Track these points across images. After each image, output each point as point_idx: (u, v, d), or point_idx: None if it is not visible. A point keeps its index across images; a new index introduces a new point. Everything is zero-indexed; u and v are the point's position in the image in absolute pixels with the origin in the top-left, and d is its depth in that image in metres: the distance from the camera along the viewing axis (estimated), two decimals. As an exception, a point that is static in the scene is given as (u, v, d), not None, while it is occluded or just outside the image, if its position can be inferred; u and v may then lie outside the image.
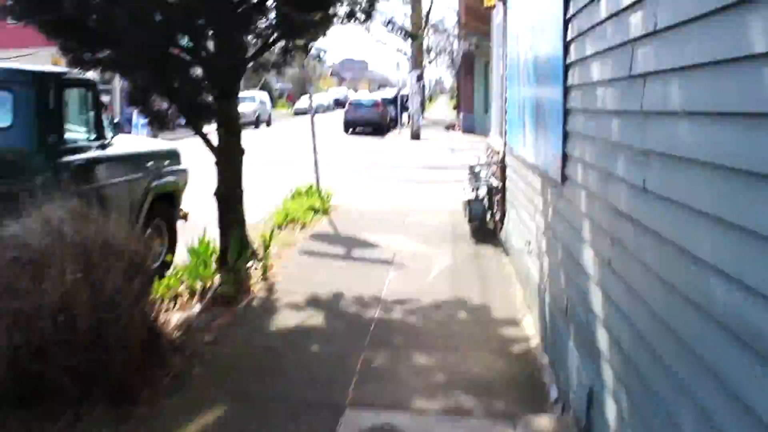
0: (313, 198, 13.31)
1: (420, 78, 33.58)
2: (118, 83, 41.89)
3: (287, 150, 25.66)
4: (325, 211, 12.68)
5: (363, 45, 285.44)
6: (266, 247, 8.65)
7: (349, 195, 15.23)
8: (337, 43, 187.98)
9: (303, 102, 73.54)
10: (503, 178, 10.21)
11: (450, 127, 39.69)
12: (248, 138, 32.20)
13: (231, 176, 8.56)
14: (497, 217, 10.71)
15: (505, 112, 10.04)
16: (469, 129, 34.95)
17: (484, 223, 10.89)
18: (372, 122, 38.73)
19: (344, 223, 11.82)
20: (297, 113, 69.08)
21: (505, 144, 10.09)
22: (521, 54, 7.98)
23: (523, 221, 7.89)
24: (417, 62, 33.89)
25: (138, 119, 40.35)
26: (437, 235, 10.79)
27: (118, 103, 42.24)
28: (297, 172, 17.74)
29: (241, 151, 8.68)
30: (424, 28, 50.92)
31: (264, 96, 51.22)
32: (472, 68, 35.68)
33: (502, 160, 10.21)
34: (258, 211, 13.29)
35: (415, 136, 31.85)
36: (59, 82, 6.92)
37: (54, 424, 4.37)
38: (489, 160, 12.22)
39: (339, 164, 20.85)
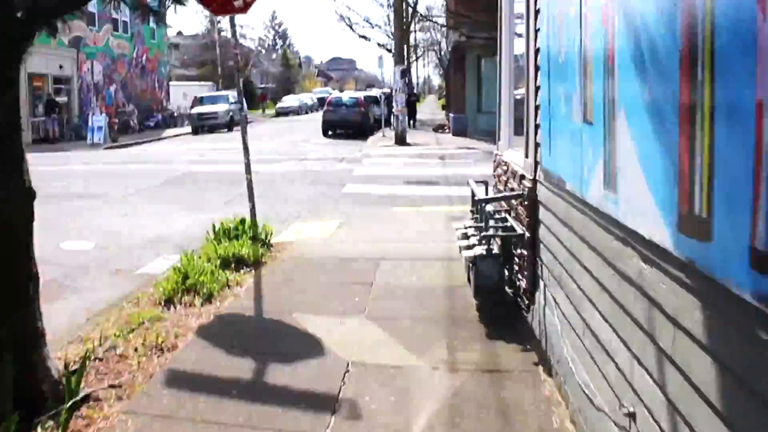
0: (243, 240, 8.92)
1: (405, 74, 29.15)
2: (76, 80, 37.43)
3: (252, 158, 21.28)
4: (257, 263, 8.31)
5: (351, 43, 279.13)
6: (70, 395, 4.17)
7: (302, 229, 10.89)
8: (325, 41, 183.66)
9: (288, 101, 69.47)
10: (533, 223, 5.88)
11: (439, 128, 35.31)
12: (212, 143, 27.76)
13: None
14: (522, 282, 6.37)
15: (535, 116, 5.74)
16: (460, 131, 30.60)
17: (501, 294, 6.51)
18: (353, 124, 34.36)
19: (278, 288, 7.40)
20: (280, 113, 64.96)
21: (535, 166, 5.77)
22: (593, 23, 3.71)
23: (610, 349, 3.56)
24: (401, 57, 29.45)
25: (94, 122, 36.01)
26: (423, 315, 6.40)
27: (76, 103, 37.75)
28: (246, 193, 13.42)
29: (28, 197, 4.26)
30: (411, 17, 46.58)
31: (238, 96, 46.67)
32: (463, 62, 31.32)
33: (532, 194, 5.87)
34: (162, 262, 8.95)
35: (400, 140, 27.46)
36: None
37: None
38: (502, 187, 7.86)
39: (303, 179, 16.45)
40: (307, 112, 66.88)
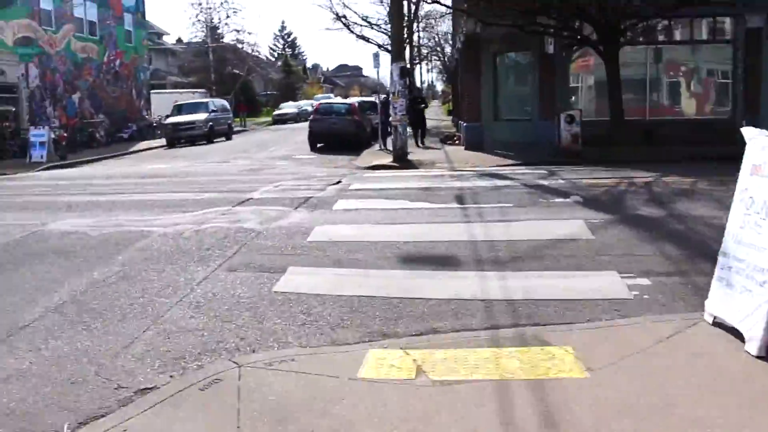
0: None
1: (406, 73, 21.21)
2: (24, 90, 29.56)
3: (166, 199, 13.64)
4: None
5: (357, 50, 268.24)
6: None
7: None
8: (333, 49, 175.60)
9: (286, 108, 61.56)
10: None
11: (448, 139, 27.26)
12: (173, 160, 16.65)
13: None
14: None
15: None
16: (474, 143, 22.68)
17: None
18: (345, 135, 26.59)
19: None
20: (277, 120, 57.29)
21: None
22: None
23: None
24: (399, 52, 21.36)
25: (35, 137, 28.20)
26: None
27: (25, 115, 29.91)
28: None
29: None
30: (414, 15, 38.82)
31: (221, 103, 38.87)
32: (477, 60, 23.37)
33: None
34: None
35: (400, 156, 19.56)
36: None
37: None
38: None
39: (219, 253, 8.50)
40: (306, 119, 59.01)
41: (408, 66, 21.30)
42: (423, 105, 27.24)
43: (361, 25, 45.08)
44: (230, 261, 7.83)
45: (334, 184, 14.05)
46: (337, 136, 26.63)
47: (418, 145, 25.08)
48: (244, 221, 9.91)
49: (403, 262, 7.65)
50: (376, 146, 25.66)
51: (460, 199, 11.50)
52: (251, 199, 12.20)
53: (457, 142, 26.31)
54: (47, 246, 8.88)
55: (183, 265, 7.71)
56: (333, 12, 43.72)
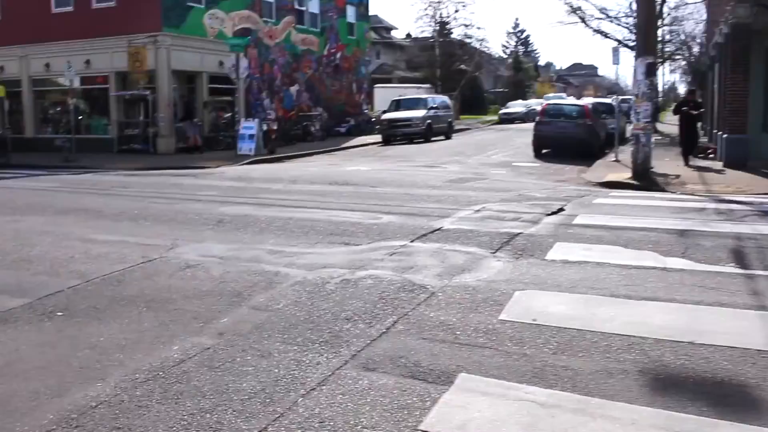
0: None
1: (652, 71, 17.27)
2: (236, 81, 28.66)
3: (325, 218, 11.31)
4: None
5: (593, 49, 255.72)
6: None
7: None
8: (567, 48, 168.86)
9: (513, 107, 58.32)
10: None
11: (700, 152, 22.64)
12: (382, 161, 18.59)
13: None
14: None
15: None
16: (736, 160, 18.32)
17: None
18: (575, 141, 23.13)
19: None
20: (503, 119, 54.41)
21: None
22: None
23: None
24: (646, 44, 17.37)
25: (245, 130, 26.97)
26: None
27: (242, 106, 29.19)
28: None
29: None
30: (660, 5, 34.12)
31: (442, 99, 36.58)
32: (746, 57, 18.93)
33: None
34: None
35: (641, 173, 15.86)
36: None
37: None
38: None
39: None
40: (534, 120, 55.52)
41: (653, 61, 17.15)
42: (695, 111, 20.90)
43: (598, 19, 41.15)
44: (373, 347, 5.06)
45: (553, 213, 10.71)
46: (565, 142, 23.22)
47: (686, 163, 19.69)
48: (416, 270, 7.04)
49: (652, 389, 4.40)
50: (611, 156, 21.92)
51: (738, 258, 7.59)
52: (439, 230, 9.27)
53: (711, 156, 21.85)
54: (149, 286, 6.63)
55: (301, 346, 5.06)
56: (567, 4, 39.97)
